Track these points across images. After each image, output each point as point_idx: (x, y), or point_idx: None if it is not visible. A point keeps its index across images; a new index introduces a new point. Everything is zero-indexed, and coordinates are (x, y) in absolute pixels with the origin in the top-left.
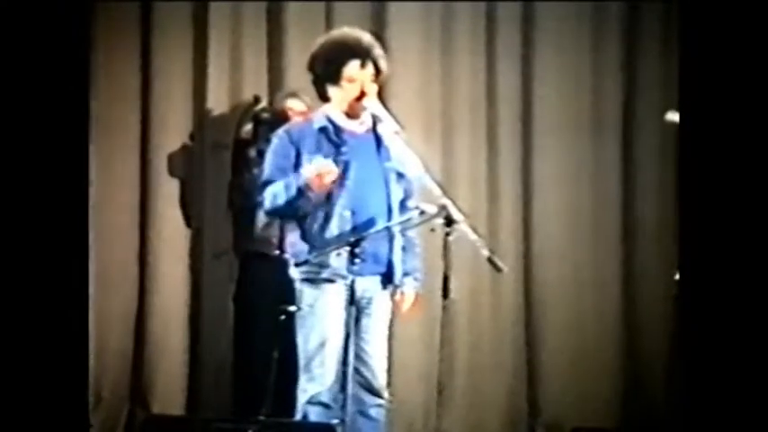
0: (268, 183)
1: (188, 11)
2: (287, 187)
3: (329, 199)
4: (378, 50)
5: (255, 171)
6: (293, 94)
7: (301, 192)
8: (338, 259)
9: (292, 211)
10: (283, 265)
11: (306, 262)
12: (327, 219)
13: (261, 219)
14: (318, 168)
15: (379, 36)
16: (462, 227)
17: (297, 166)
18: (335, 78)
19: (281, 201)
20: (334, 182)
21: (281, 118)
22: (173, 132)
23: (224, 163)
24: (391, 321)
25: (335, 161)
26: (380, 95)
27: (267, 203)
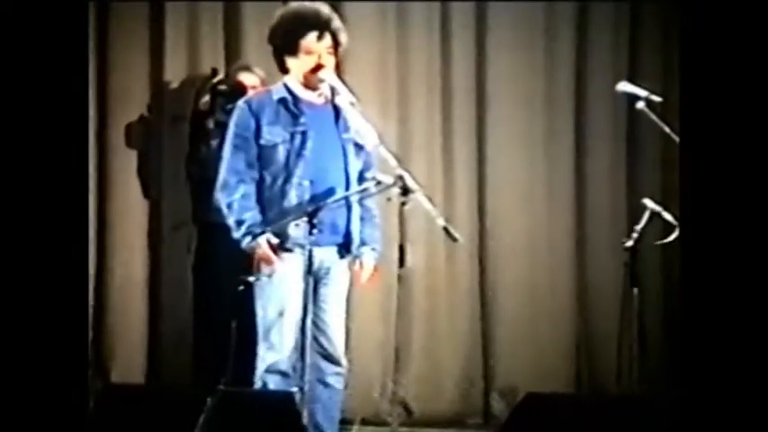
0: (232, 150)
1: None
2: (237, 224)
3: (287, 173)
4: (336, 23)
5: (213, 143)
6: (245, 68)
7: (245, 245)
8: (296, 229)
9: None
10: None
11: (263, 232)
12: (285, 188)
13: (218, 195)
14: (264, 254)
15: (337, 8)
16: (418, 197)
17: (257, 136)
18: (293, 50)
19: (234, 229)
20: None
21: (238, 90)
22: (130, 104)
23: (182, 134)
24: (349, 291)
25: (293, 132)
26: (338, 68)
27: (226, 217)
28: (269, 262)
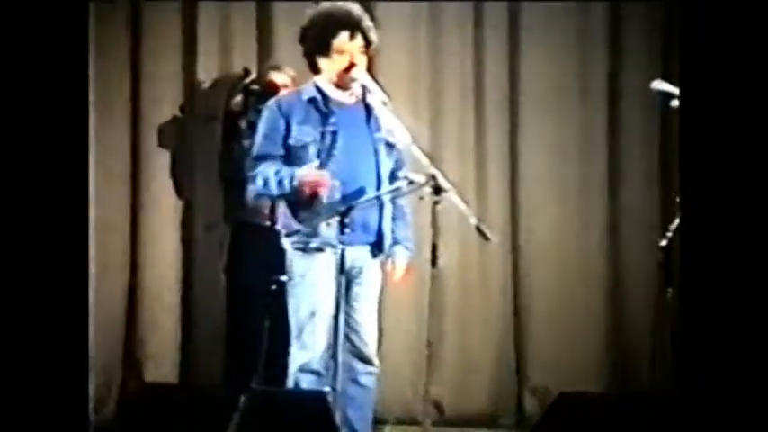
0: (259, 156)
1: None
2: (279, 183)
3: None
4: (367, 22)
5: (246, 142)
6: (276, 67)
7: (292, 189)
8: (328, 229)
9: (280, 197)
10: (274, 235)
11: (297, 232)
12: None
13: (251, 190)
14: (313, 176)
15: (368, 8)
16: (450, 196)
17: (287, 136)
18: (325, 50)
19: (271, 190)
20: (323, 190)
21: (269, 90)
22: (164, 105)
23: (214, 134)
24: (381, 290)
25: (323, 132)
26: (370, 67)
27: (258, 186)
28: (322, 183)
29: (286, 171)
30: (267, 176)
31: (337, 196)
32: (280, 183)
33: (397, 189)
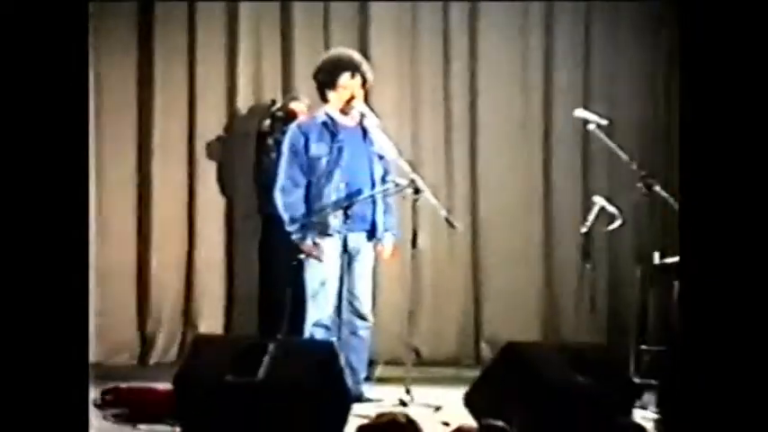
0: (288, 161)
1: (221, 41)
2: (290, 220)
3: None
4: (365, 65)
5: (272, 155)
6: (294, 98)
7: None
8: (334, 219)
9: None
10: None
11: (308, 229)
12: (326, 189)
13: (277, 194)
14: (307, 247)
15: (366, 54)
16: (426, 195)
17: (306, 150)
18: (333, 86)
19: (283, 215)
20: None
21: (290, 115)
22: (212, 126)
23: (249, 149)
24: (374, 265)
25: (332, 147)
26: (366, 98)
27: (278, 203)
28: (311, 253)
29: (301, 221)
30: (293, 215)
31: (342, 195)
32: (291, 221)
33: (387, 190)
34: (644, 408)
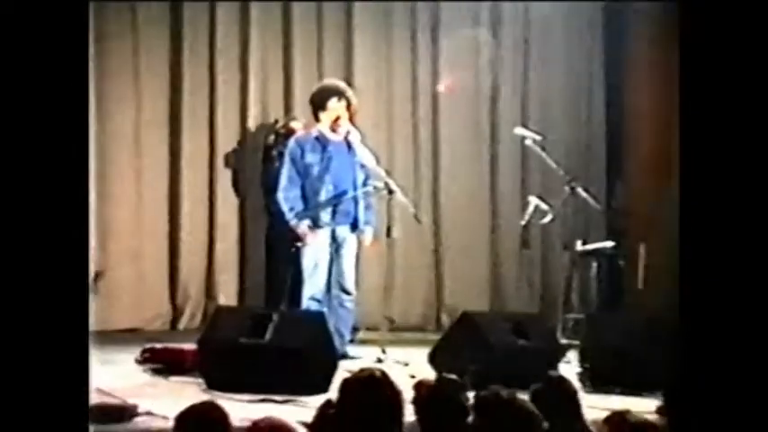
0: (287, 168)
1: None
2: (289, 210)
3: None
4: (349, 92)
5: (276, 164)
6: (293, 118)
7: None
8: (325, 215)
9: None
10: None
11: (306, 215)
12: (318, 190)
13: (279, 195)
14: (300, 231)
15: (350, 83)
16: (398, 195)
17: (302, 159)
18: (323, 107)
19: (285, 211)
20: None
21: (289, 132)
22: (228, 141)
23: (258, 159)
24: (357, 252)
25: (322, 156)
26: (351, 118)
27: (280, 200)
28: (305, 236)
29: (298, 211)
30: (287, 194)
31: (331, 195)
32: (291, 217)
33: (366, 191)
34: (568, 362)
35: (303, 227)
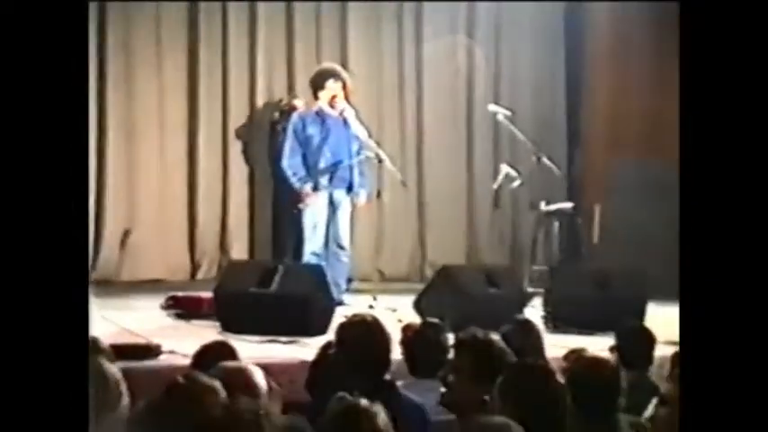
0: (291, 140)
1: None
2: (293, 175)
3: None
4: (344, 74)
5: (280, 138)
6: (295, 96)
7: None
8: (323, 180)
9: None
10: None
11: (308, 180)
12: (318, 158)
13: (284, 162)
14: (306, 193)
15: (345, 67)
16: (387, 164)
17: (304, 131)
18: (322, 87)
19: (289, 177)
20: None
21: (292, 109)
22: (239, 116)
23: (265, 132)
24: (351, 212)
25: (321, 129)
26: (346, 97)
27: (285, 167)
28: (308, 197)
29: (301, 176)
30: (292, 161)
31: (329, 163)
32: (295, 180)
33: (360, 159)
34: (533, 307)
35: (306, 189)
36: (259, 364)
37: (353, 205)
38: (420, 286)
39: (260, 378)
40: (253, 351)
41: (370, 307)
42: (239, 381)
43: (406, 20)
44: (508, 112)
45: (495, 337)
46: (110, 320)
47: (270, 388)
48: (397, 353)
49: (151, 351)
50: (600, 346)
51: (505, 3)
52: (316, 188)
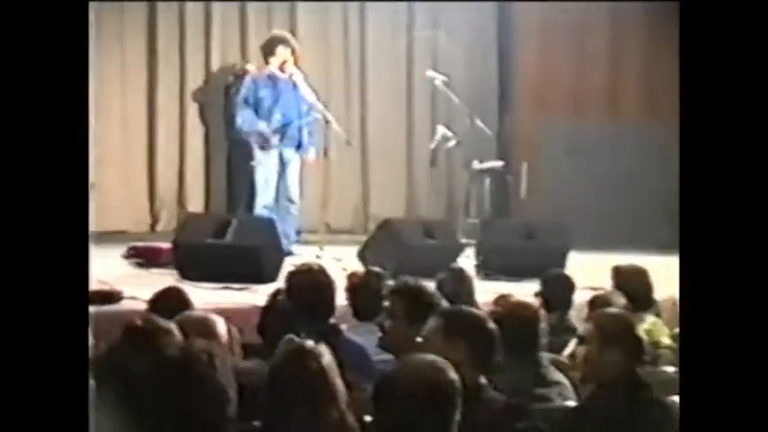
0: (244, 101)
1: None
2: (248, 131)
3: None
4: (293, 41)
5: (234, 99)
6: (247, 62)
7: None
8: (275, 138)
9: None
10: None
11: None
12: (270, 119)
13: (238, 121)
14: (262, 131)
15: (294, 33)
16: (333, 124)
17: (256, 94)
18: (272, 53)
19: (246, 126)
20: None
21: (245, 73)
22: (195, 79)
23: (220, 94)
24: (300, 169)
25: (272, 91)
26: (295, 62)
27: (241, 121)
28: (270, 139)
29: (255, 121)
30: (245, 119)
31: (280, 123)
32: (251, 124)
33: (308, 120)
34: (467, 257)
35: (267, 131)
36: (214, 310)
37: (302, 162)
38: (363, 238)
39: (221, 327)
40: (209, 297)
41: (317, 257)
42: (202, 329)
43: None
44: (444, 78)
45: (425, 283)
46: None
47: (230, 336)
48: (341, 299)
49: (114, 297)
50: (526, 291)
51: None
52: (267, 146)
